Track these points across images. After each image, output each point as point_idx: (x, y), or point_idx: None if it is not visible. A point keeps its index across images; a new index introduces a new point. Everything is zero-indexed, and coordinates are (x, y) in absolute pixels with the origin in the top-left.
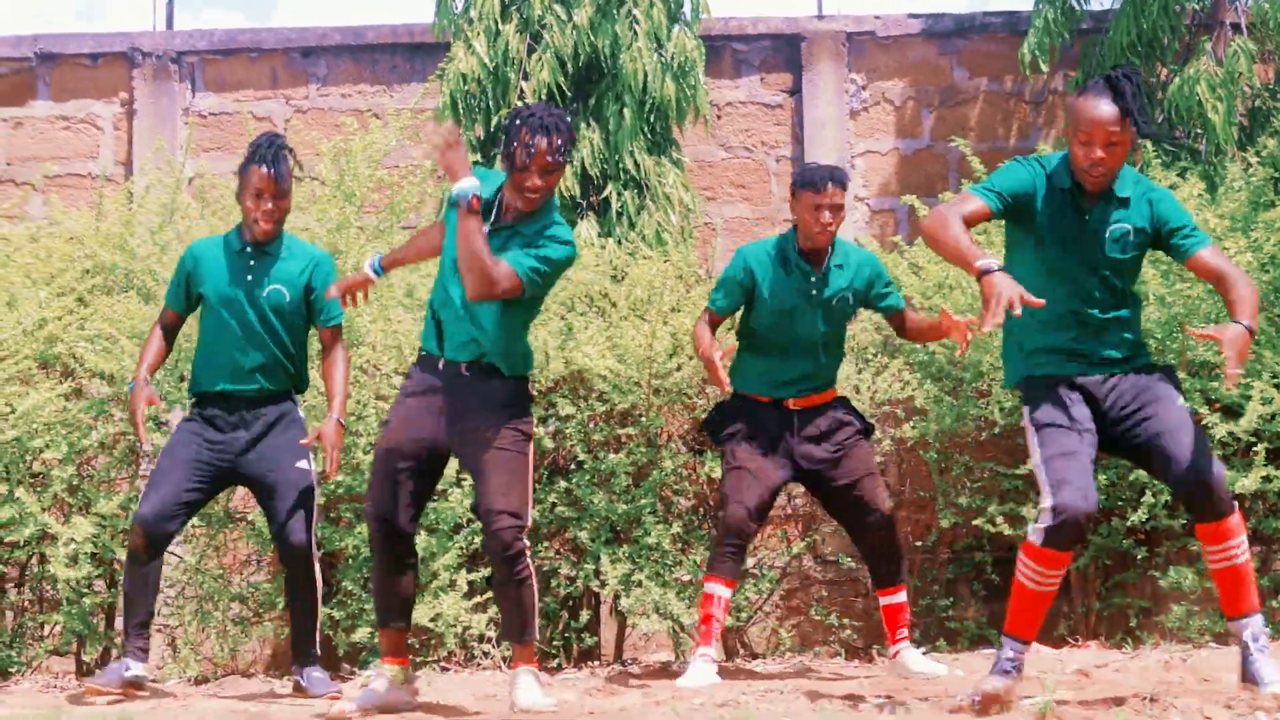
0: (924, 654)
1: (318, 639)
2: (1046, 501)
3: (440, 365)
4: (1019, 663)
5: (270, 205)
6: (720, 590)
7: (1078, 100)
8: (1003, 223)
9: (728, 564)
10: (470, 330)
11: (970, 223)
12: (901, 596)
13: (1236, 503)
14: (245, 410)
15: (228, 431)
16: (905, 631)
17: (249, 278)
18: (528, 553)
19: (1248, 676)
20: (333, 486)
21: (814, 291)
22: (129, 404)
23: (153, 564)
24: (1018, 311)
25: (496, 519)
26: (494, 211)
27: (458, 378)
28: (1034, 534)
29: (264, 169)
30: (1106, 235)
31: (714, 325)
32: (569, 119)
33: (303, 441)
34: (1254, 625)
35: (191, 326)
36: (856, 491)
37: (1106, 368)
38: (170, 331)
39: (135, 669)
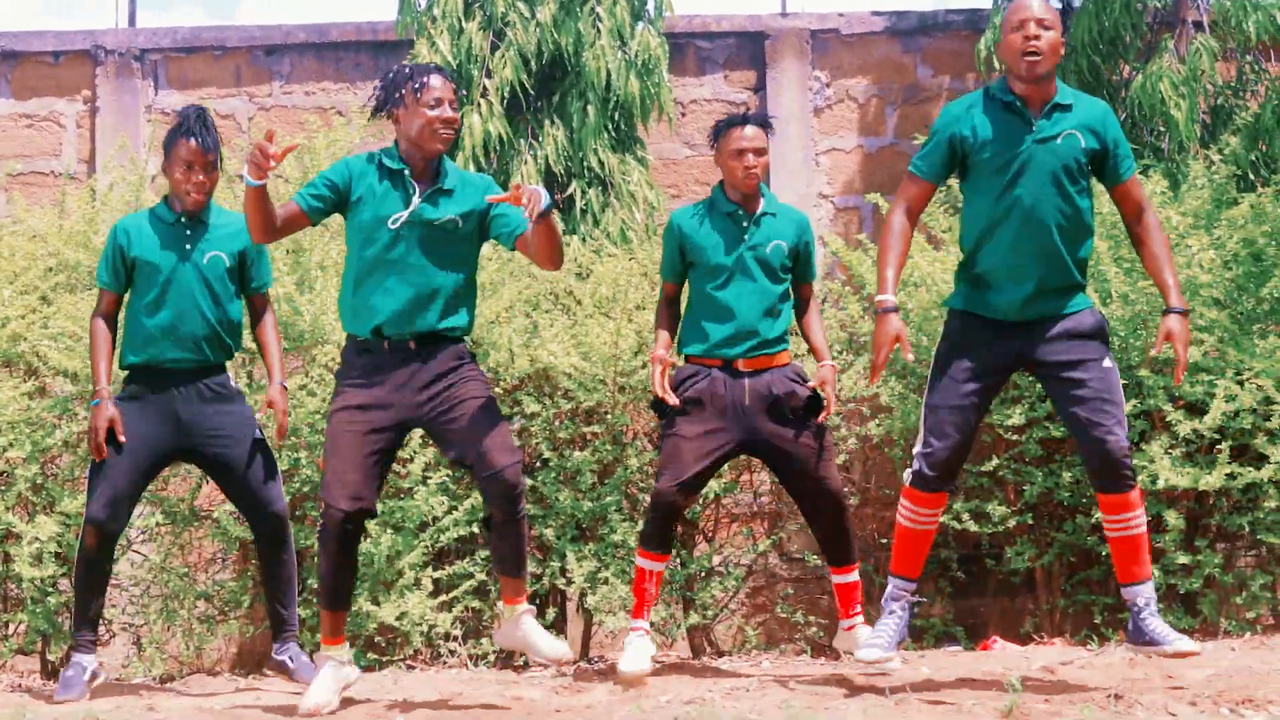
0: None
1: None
2: (917, 447)
3: (385, 346)
4: (903, 601)
5: (201, 177)
6: (649, 564)
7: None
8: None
9: (655, 538)
10: (416, 305)
11: (916, 209)
12: (854, 576)
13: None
14: (185, 383)
15: (165, 407)
16: (859, 609)
17: (186, 246)
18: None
19: (1142, 638)
20: (299, 484)
21: (746, 238)
22: (91, 418)
23: (106, 560)
24: (908, 356)
25: (499, 458)
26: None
27: (409, 353)
28: (906, 475)
29: (192, 141)
30: (1058, 142)
31: (672, 298)
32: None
33: (260, 411)
34: (1146, 591)
35: None
36: (809, 468)
37: (1042, 310)
38: (111, 320)
39: (90, 665)
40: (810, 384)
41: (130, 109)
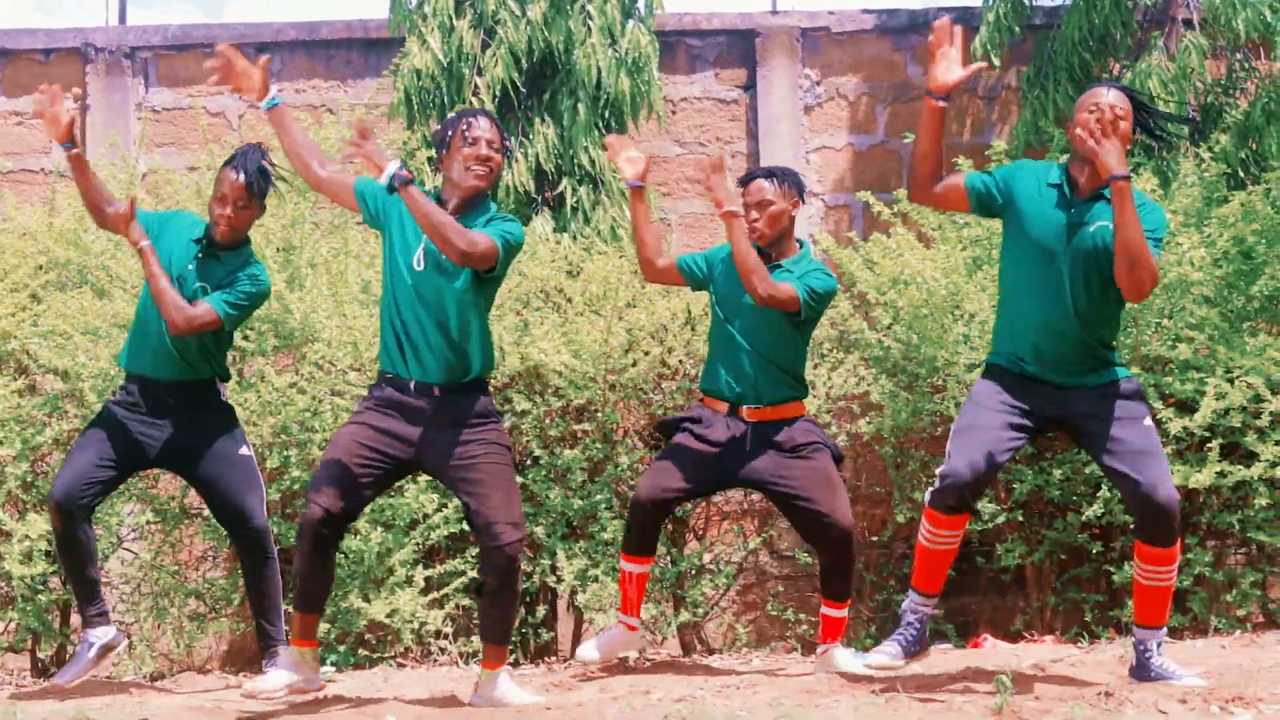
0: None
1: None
2: (941, 467)
3: (411, 386)
4: (921, 615)
5: (230, 211)
6: (630, 567)
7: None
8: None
9: (633, 544)
10: (446, 352)
11: (946, 188)
12: (844, 613)
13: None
14: (169, 396)
15: (151, 416)
16: (840, 641)
17: (190, 267)
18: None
19: (1149, 674)
20: (288, 483)
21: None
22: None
23: (80, 535)
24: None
25: (504, 533)
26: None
27: (431, 399)
28: (926, 495)
29: (234, 175)
30: (1089, 229)
31: (669, 273)
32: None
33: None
34: (1160, 636)
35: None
36: (812, 503)
37: (1070, 377)
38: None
39: (99, 639)
40: (823, 436)
41: (120, 107)
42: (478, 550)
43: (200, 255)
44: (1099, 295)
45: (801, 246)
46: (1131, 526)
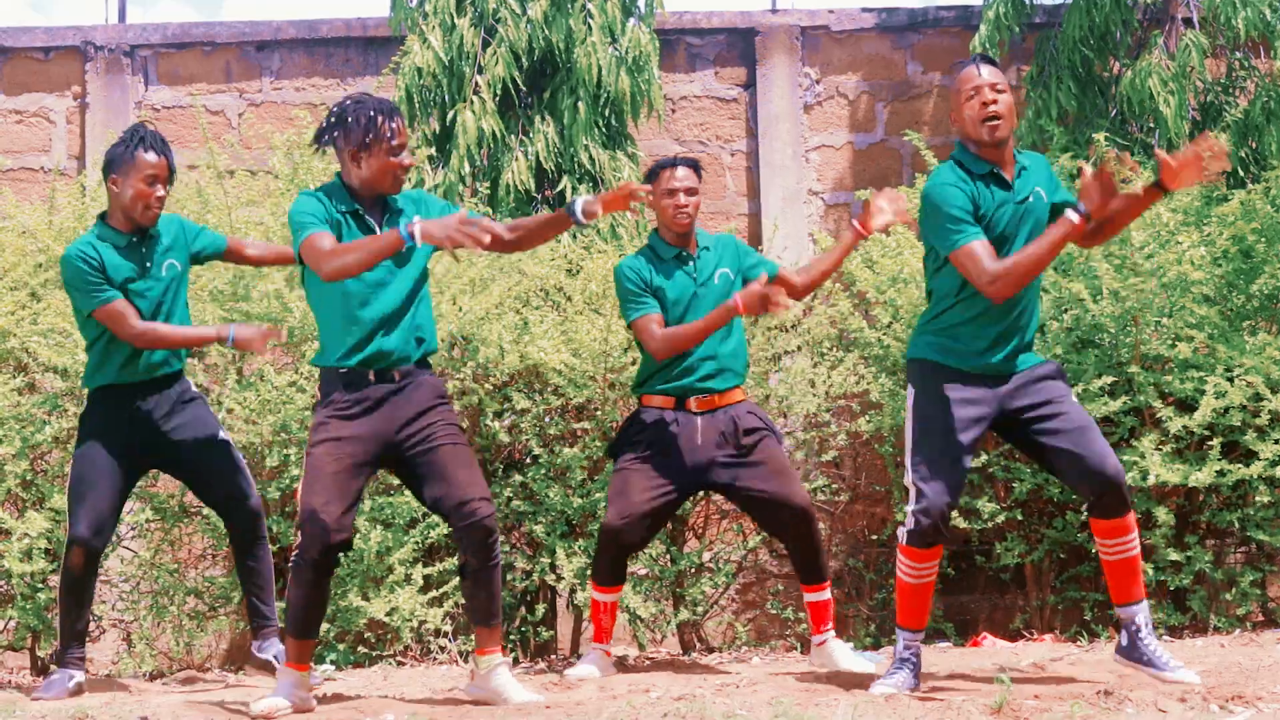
0: (856, 650)
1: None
2: (910, 504)
3: (371, 377)
4: (915, 650)
5: (162, 191)
6: (601, 597)
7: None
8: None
9: (604, 572)
10: (404, 335)
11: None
12: (826, 594)
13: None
14: (156, 395)
15: (138, 421)
16: (830, 625)
17: (147, 264)
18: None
19: (1139, 657)
20: (288, 481)
21: (695, 276)
22: (247, 340)
23: (91, 576)
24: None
25: (478, 507)
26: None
27: (392, 385)
28: (901, 533)
29: (155, 156)
30: (1030, 201)
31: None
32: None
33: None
34: (1144, 611)
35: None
36: (771, 491)
37: (1011, 363)
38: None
39: (79, 678)
40: (765, 422)
41: (120, 105)
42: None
43: (139, 246)
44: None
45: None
46: (1085, 506)
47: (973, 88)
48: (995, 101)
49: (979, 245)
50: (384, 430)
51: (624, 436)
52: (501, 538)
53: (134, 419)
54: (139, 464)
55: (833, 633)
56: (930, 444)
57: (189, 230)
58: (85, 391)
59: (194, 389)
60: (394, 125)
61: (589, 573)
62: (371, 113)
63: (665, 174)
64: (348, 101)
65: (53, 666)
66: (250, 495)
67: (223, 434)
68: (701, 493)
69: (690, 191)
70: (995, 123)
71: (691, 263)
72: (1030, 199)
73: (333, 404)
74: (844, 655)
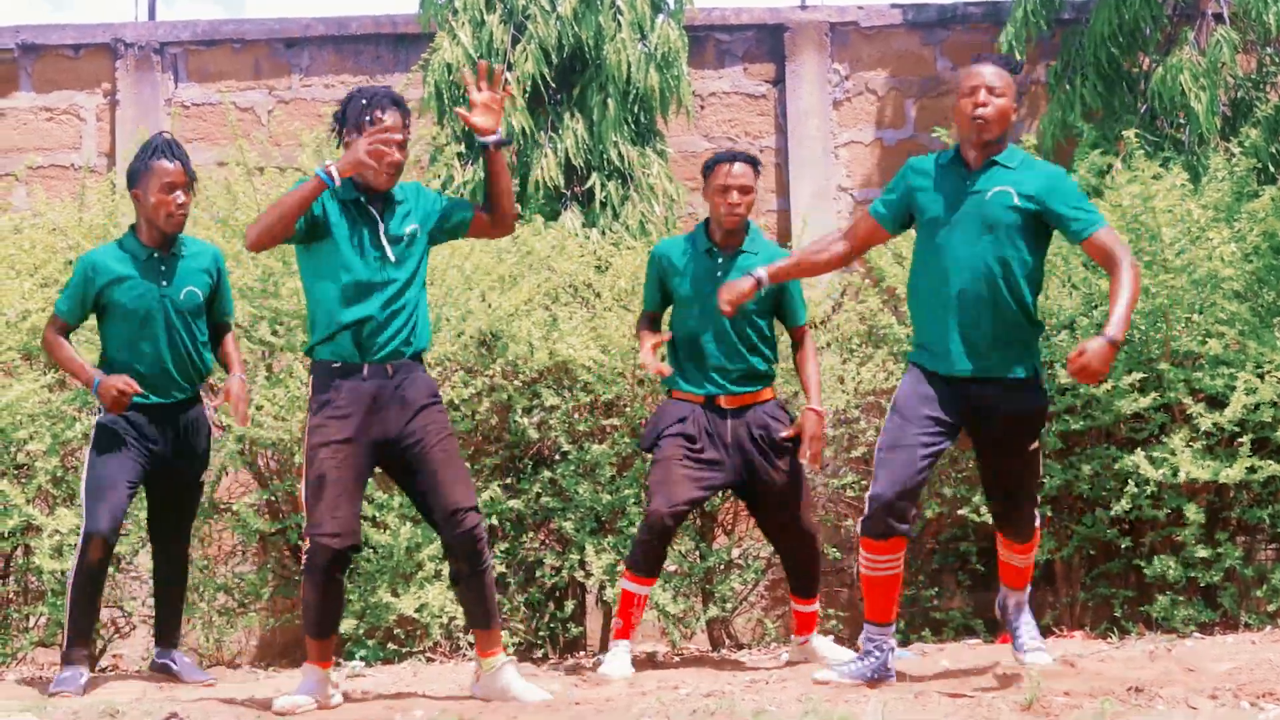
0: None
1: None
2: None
3: (365, 372)
4: (880, 644)
5: (183, 198)
6: (635, 589)
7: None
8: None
9: (642, 562)
10: (397, 329)
11: (857, 241)
12: (814, 606)
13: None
14: (165, 418)
15: (152, 438)
16: (813, 632)
17: (164, 283)
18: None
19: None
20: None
21: (720, 275)
22: (100, 394)
23: (104, 573)
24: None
25: (466, 516)
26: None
27: (385, 381)
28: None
29: (171, 163)
30: (988, 196)
31: (653, 322)
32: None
33: (214, 403)
34: (1021, 597)
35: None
36: (784, 508)
37: (984, 366)
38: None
39: (85, 675)
40: (791, 424)
41: (150, 102)
42: (506, 542)
43: (159, 263)
44: (1006, 261)
45: (749, 224)
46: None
47: (971, 86)
48: (986, 105)
49: (865, 222)
50: (380, 430)
51: (656, 427)
52: (531, 534)
53: (142, 434)
54: (146, 474)
55: (816, 635)
56: (891, 434)
57: (219, 270)
58: None
59: (205, 414)
60: (381, 114)
61: (622, 566)
62: (364, 101)
63: (722, 169)
64: (354, 90)
65: (59, 665)
66: (184, 531)
67: (200, 479)
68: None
69: (744, 190)
70: (981, 124)
71: (722, 260)
72: (987, 194)
73: (329, 405)
74: (827, 648)
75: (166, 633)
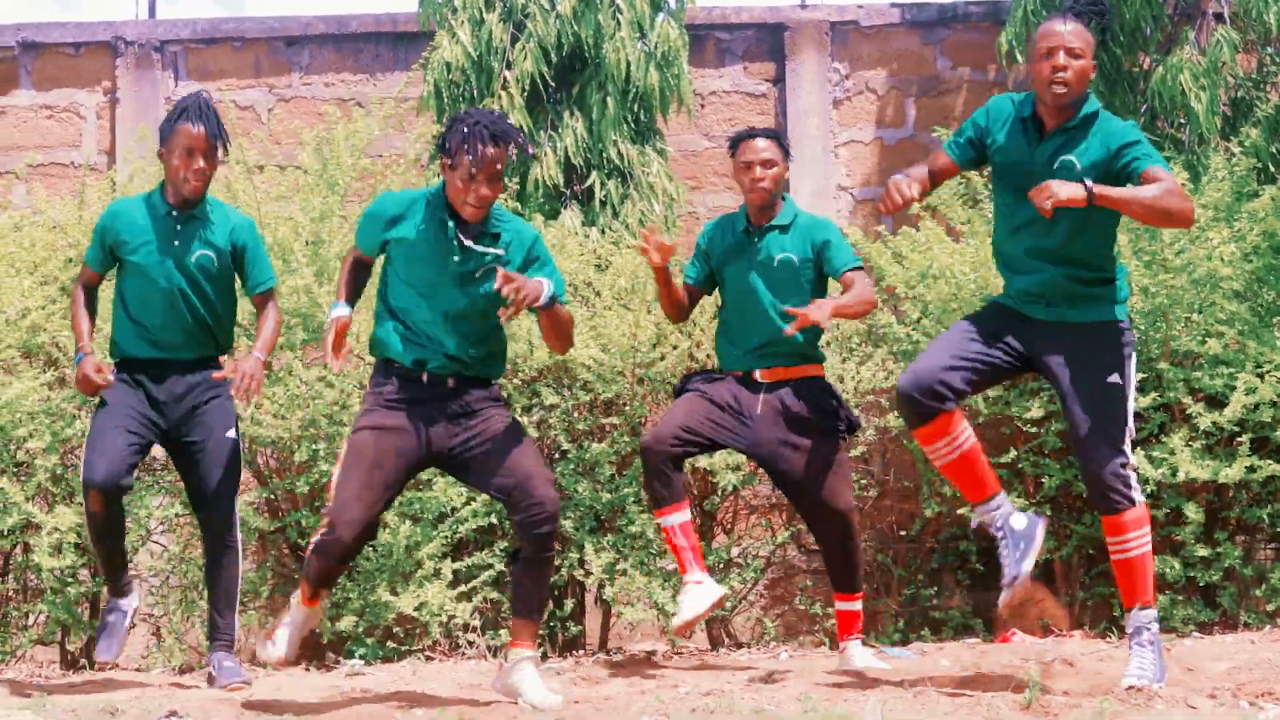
0: (887, 648)
1: (236, 619)
2: None
3: (424, 379)
4: (995, 517)
5: (202, 163)
6: (669, 519)
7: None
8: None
9: (659, 492)
10: (462, 345)
11: (936, 177)
12: (857, 605)
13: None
14: (175, 376)
15: (161, 396)
16: (855, 635)
17: (176, 242)
18: None
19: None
20: (316, 476)
21: (749, 251)
22: (77, 374)
23: (119, 513)
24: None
25: (546, 494)
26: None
27: (444, 388)
28: None
29: (195, 126)
30: (1054, 167)
31: (692, 296)
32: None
33: (215, 375)
34: (1141, 618)
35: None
36: (815, 485)
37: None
38: (93, 290)
39: (129, 605)
40: (839, 404)
41: (150, 100)
42: (505, 540)
43: (175, 222)
44: (1079, 242)
45: (785, 200)
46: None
47: (1049, 47)
48: (1065, 69)
49: (940, 157)
50: (432, 433)
51: (685, 384)
52: None
53: (146, 390)
54: (155, 426)
55: (859, 640)
56: (953, 328)
57: (242, 242)
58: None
59: (219, 382)
60: (476, 152)
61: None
62: (464, 130)
63: (744, 145)
64: (463, 112)
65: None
66: (223, 500)
67: (230, 433)
68: (729, 485)
69: (767, 164)
70: (1061, 92)
71: (754, 237)
72: (1056, 167)
73: (383, 392)
74: (861, 657)
75: (210, 629)
